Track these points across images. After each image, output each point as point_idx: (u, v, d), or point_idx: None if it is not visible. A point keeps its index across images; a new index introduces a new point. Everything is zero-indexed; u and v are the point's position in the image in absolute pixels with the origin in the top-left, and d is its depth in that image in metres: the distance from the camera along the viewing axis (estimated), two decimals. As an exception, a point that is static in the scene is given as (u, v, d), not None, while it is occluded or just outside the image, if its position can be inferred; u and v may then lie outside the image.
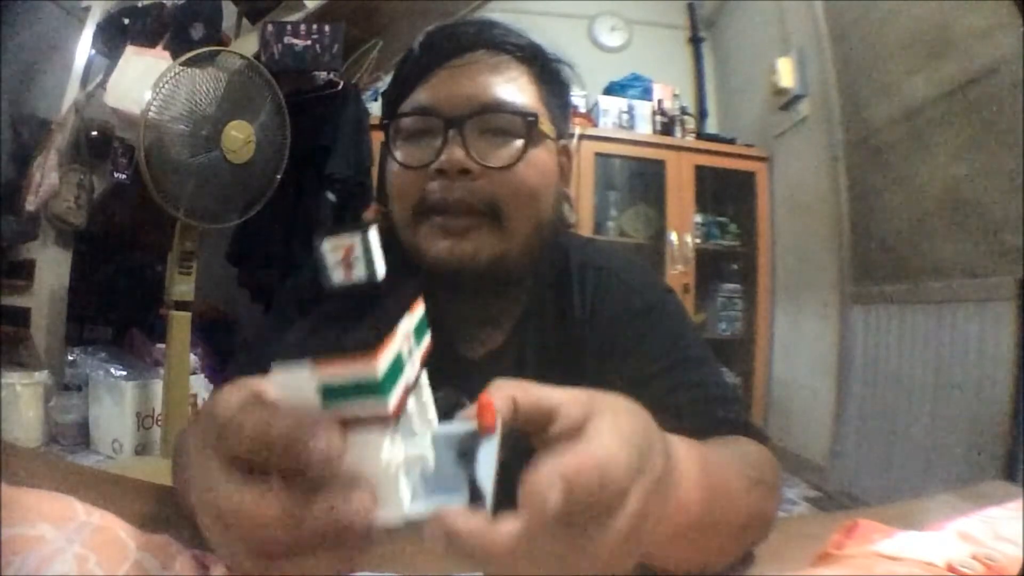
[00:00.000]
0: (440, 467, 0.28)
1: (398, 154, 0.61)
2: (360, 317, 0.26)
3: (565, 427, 0.29)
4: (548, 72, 0.65)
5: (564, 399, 0.30)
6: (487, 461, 0.28)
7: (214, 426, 0.26)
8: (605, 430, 0.28)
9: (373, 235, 0.26)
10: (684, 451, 0.35)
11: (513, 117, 0.59)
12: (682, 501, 0.33)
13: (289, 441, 0.24)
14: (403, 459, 0.27)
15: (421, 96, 0.61)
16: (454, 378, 0.61)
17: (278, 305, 0.70)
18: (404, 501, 0.26)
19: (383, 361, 0.24)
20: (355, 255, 0.26)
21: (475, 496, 0.27)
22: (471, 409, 0.30)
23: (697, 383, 0.59)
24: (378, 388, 0.24)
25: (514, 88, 0.60)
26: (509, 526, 0.25)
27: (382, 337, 0.25)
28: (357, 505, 0.24)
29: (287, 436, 0.24)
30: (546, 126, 0.62)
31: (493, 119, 0.59)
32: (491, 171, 0.58)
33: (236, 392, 0.28)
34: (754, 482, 0.44)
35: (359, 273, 0.26)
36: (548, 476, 0.25)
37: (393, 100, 0.64)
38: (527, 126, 0.59)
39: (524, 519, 0.25)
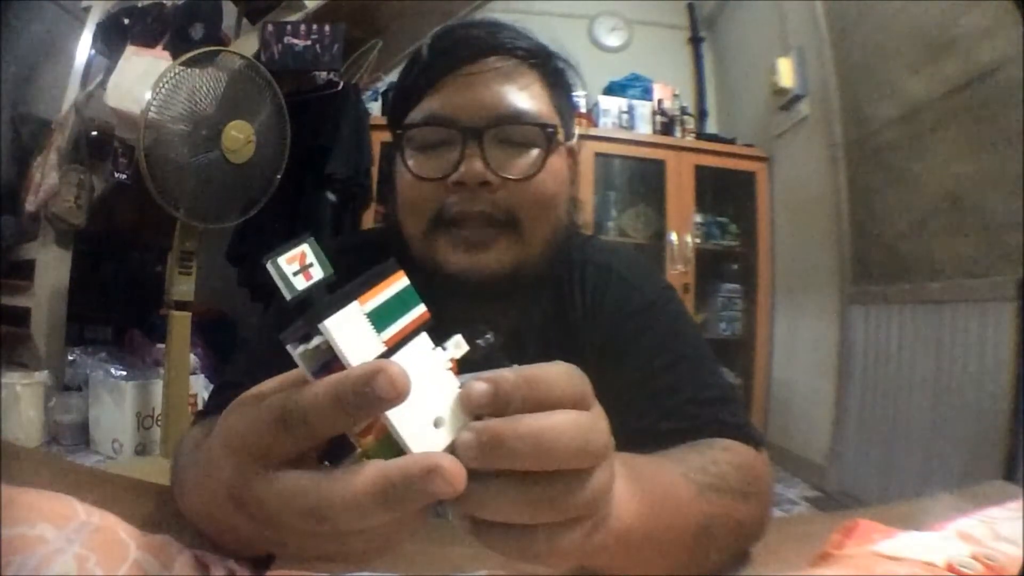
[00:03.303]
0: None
1: (412, 164, 0.60)
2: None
3: None
4: (556, 75, 0.64)
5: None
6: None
7: (271, 424, 0.27)
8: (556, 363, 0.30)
9: (314, 240, 0.29)
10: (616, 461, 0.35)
11: (532, 128, 0.59)
12: (616, 510, 0.33)
13: (359, 385, 0.25)
14: (446, 354, 0.30)
15: (434, 104, 0.60)
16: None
17: (278, 304, 0.70)
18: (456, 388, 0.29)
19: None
20: (309, 260, 0.28)
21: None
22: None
23: (694, 383, 0.59)
24: (413, 294, 0.29)
25: (528, 96, 0.60)
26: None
27: (393, 263, 0.29)
28: (435, 477, 0.25)
29: (356, 382, 0.25)
30: (559, 132, 0.61)
31: (512, 130, 0.58)
32: (511, 182, 0.58)
33: (273, 393, 0.29)
34: (707, 488, 0.43)
35: (318, 274, 0.28)
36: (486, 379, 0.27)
37: (401, 105, 0.63)
38: (546, 136, 0.59)
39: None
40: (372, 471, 0.25)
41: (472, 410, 0.27)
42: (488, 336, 0.29)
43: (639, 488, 0.36)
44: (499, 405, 0.26)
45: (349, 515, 0.25)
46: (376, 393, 0.25)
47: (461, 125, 0.58)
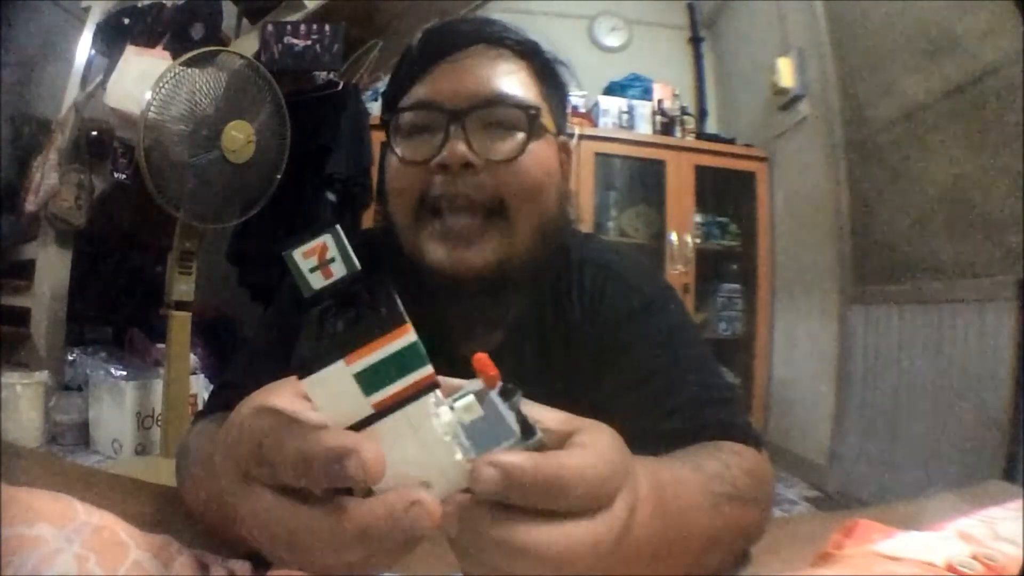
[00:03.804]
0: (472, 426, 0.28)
1: (399, 149, 0.60)
2: (359, 309, 0.26)
3: (549, 440, 0.29)
4: (546, 69, 0.64)
5: (547, 415, 0.30)
6: (503, 406, 0.28)
7: (247, 453, 0.27)
8: (587, 443, 0.28)
9: (340, 231, 0.26)
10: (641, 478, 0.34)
11: (515, 110, 0.59)
12: (628, 550, 0.32)
13: (328, 463, 0.24)
14: (452, 417, 0.27)
15: (421, 91, 0.60)
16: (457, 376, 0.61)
17: (278, 304, 0.70)
18: (462, 460, 0.26)
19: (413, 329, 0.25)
20: (330, 255, 0.26)
21: (527, 434, 0.27)
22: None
23: (694, 383, 0.59)
24: (418, 353, 0.25)
25: (515, 81, 0.60)
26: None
27: (403, 313, 0.25)
28: (417, 509, 0.24)
29: (325, 458, 0.24)
30: (547, 120, 0.61)
31: (495, 112, 0.58)
32: (494, 165, 0.57)
33: (263, 416, 0.28)
34: (722, 497, 0.43)
35: (340, 271, 0.26)
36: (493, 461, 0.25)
37: (392, 97, 0.64)
38: (529, 119, 0.59)
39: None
40: (353, 512, 0.25)
41: (477, 492, 0.25)
42: (515, 399, 0.27)
43: (659, 511, 0.35)
44: (507, 495, 0.25)
45: (324, 552, 0.25)
46: (346, 474, 0.24)
47: (444, 108, 0.58)
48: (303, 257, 0.26)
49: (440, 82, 0.59)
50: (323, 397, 0.25)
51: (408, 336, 0.24)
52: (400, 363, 0.25)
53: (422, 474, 0.26)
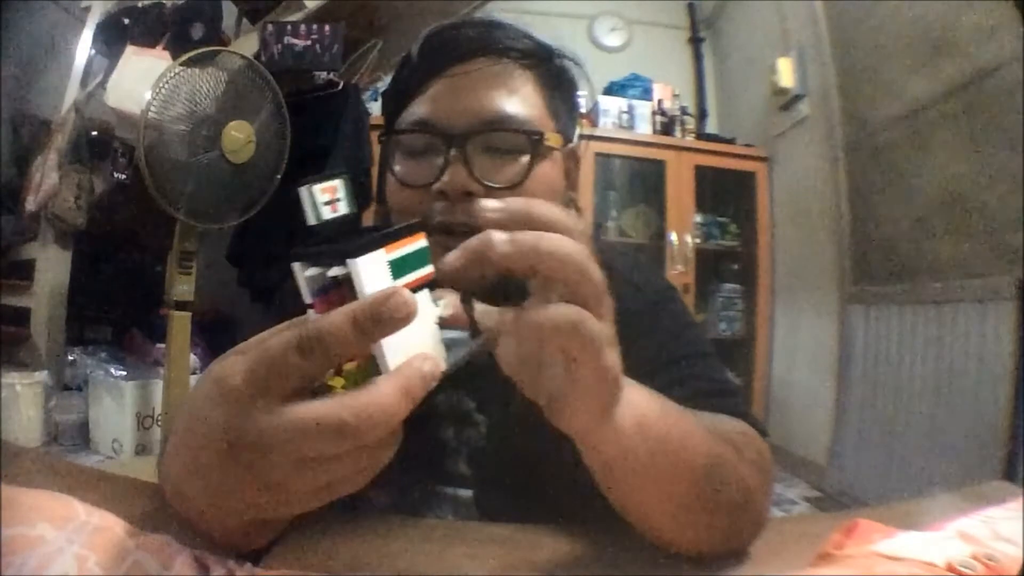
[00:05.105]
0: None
1: (397, 169, 0.58)
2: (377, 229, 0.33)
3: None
4: (555, 74, 0.62)
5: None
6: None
7: (284, 357, 0.29)
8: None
9: (350, 178, 0.33)
10: (629, 384, 0.38)
11: (517, 135, 0.57)
12: (630, 421, 0.37)
13: (376, 308, 0.29)
14: (437, 310, 0.34)
15: (420, 109, 0.58)
16: (457, 379, 0.61)
17: (280, 306, 0.70)
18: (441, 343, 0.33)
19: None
20: (339, 195, 0.33)
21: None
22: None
23: (698, 376, 0.59)
24: (427, 254, 0.32)
25: (518, 100, 0.58)
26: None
27: (421, 223, 0.32)
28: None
29: (372, 305, 0.29)
30: (552, 137, 0.59)
31: (496, 137, 0.56)
32: (495, 191, 0.55)
33: (250, 348, 0.33)
34: (714, 434, 0.44)
35: (344, 209, 0.33)
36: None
37: (392, 109, 0.62)
38: (532, 144, 0.57)
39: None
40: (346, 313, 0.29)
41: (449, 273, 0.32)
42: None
43: (652, 396, 0.39)
44: (468, 269, 0.32)
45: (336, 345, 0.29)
46: (389, 313, 0.29)
47: (444, 131, 0.56)
48: (320, 192, 0.32)
49: (439, 101, 0.57)
50: (364, 275, 0.30)
51: (423, 240, 0.32)
52: (418, 258, 0.32)
53: (419, 349, 0.31)
